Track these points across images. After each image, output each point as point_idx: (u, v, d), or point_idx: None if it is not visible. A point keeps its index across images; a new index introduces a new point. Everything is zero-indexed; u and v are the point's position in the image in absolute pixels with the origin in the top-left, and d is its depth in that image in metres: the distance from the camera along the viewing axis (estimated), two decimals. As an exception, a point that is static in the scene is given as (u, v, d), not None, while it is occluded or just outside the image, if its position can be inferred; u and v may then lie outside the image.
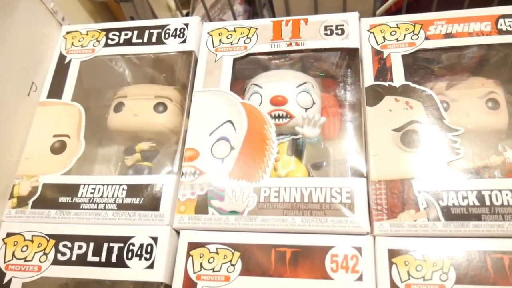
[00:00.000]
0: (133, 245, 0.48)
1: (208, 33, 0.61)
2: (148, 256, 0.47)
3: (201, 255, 0.47)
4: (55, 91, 0.60)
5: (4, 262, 0.50)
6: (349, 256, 0.44)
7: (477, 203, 0.45)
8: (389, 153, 0.49)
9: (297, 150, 0.54)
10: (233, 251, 0.47)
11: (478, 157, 0.52)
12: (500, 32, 0.54)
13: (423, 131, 0.50)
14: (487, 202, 0.45)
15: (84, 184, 0.52)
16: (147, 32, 0.62)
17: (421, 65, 0.57)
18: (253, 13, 0.89)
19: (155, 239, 0.48)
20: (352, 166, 0.49)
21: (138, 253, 0.47)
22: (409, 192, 0.47)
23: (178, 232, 0.49)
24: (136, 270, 0.47)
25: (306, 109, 0.54)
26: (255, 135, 0.52)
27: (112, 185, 0.52)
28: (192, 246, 0.48)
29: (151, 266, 0.47)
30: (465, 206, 0.45)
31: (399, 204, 0.46)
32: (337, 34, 0.57)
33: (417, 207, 0.46)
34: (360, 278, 0.43)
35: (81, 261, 0.48)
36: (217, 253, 0.47)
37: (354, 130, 0.52)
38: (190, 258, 0.47)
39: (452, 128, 0.49)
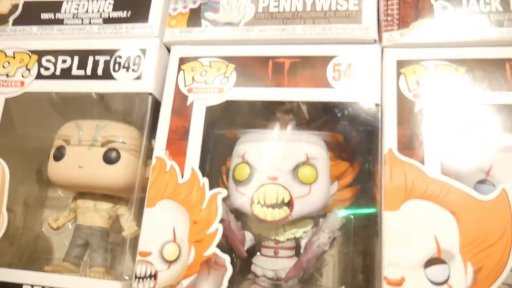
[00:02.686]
0: (120, 57, 0.44)
1: None
2: (135, 67, 0.44)
3: (193, 69, 0.44)
4: None
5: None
6: (352, 64, 0.41)
7: (500, 9, 0.40)
8: (404, -37, 0.44)
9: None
10: (227, 63, 0.43)
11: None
12: None
13: None
14: (512, 8, 0.40)
15: (68, 0, 0.48)
16: None
17: None
18: None
19: (143, 51, 0.44)
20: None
21: (126, 65, 0.44)
22: (424, 1, 0.42)
23: (169, 50, 0.46)
24: (123, 81, 0.44)
25: None
26: None
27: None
28: (184, 60, 0.44)
29: (139, 78, 0.44)
30: (487, 12, 0.40)
31: (413, 13, 0.42)
32: None
33: (432, 15, 0.41)
34: (361, 86, 0.40)
35: (66, 75, 0.45)
36: (210, 66, 0.43)
37: None
38: (181, 72, 0.44)
39: None
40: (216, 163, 0.46)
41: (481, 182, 0.39)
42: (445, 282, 0.34)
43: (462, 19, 0.40)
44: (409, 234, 0.36)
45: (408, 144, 0.38)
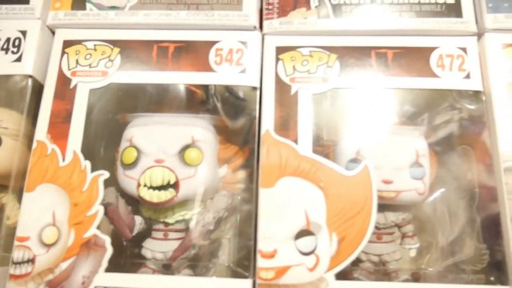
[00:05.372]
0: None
1: None
2: (15, 50, 0.43)
3: (77, 52, 0.43)
4: None
5: None
6: (234, 50, 0.42)
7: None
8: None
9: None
10: (112, 47, 0.43)
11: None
12: None
13: None
14: (380, -3, 0.44)
15: None
16: None
17: None
18: None
19: (23, 33, 0.43)
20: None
21: (4, 47, 0.43)
22: (303, -8, 0.45)
23: (53, 33, 0.45)
24: (2, 64, 0.42)
25: None
26: None
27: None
28: (68, 43, 0.44)
29: (18, 60, 0.42)
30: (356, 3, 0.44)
31: (291, 2, 0.44)
32: None
33: (308, 5, 0.44)
34: (243, 71, 0.42)
35: None
36: (95, 50, 0.43)
37: None
38: (65, 55, 0.43)
39: None
40: (110, 150, 0.46)
41: (352, 160, 0.42)
42: (312, 251, 0.37)
43: (333, 11, 0.43)
44: (282, 209, 0.38)
45: (284, 125, 0.40)
